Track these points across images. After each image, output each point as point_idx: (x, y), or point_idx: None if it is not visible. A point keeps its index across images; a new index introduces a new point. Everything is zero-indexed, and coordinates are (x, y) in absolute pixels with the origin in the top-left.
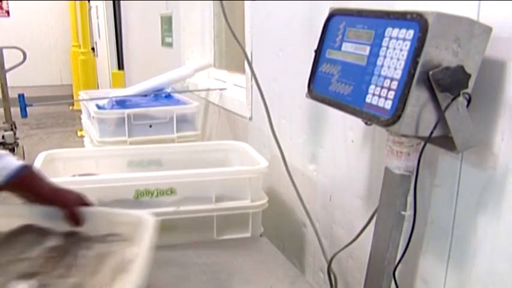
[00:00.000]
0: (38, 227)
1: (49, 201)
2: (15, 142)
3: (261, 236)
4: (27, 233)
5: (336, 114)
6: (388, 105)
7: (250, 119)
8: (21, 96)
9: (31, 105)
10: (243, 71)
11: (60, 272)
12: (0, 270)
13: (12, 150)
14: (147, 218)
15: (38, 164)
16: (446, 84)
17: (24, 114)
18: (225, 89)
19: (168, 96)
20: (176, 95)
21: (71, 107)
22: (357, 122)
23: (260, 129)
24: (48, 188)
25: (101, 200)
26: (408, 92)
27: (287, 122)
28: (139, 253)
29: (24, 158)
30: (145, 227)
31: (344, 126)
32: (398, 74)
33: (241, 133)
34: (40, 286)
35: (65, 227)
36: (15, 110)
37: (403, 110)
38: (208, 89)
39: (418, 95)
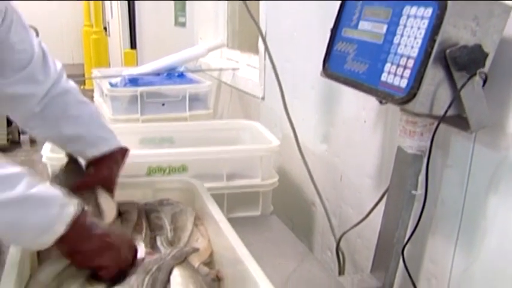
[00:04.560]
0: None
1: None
2: None
3: (270, 214)
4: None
5: (349, 94)
6: (403, 83)
7: (263, 98)
8: None
9: None
10: (256, 52)
11: (146, 233)
12: None
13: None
14: (193, 182)
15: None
16: (463, 62)
17: None
18: (238, 69)
19: (181, 75)
20: (189, 74)
21: (82, 87)
22: (370, 102)
23: (272, 109)
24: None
25: None
26: (424, 70)
27: (299, 102)
28: (209, 211)
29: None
30: (192, 188)
31: (357, 106)
32: (415, 52)
33: (253, 113)
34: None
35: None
36: None
37: (418, 89)
38: (221, 69)
39: (434, 74)
